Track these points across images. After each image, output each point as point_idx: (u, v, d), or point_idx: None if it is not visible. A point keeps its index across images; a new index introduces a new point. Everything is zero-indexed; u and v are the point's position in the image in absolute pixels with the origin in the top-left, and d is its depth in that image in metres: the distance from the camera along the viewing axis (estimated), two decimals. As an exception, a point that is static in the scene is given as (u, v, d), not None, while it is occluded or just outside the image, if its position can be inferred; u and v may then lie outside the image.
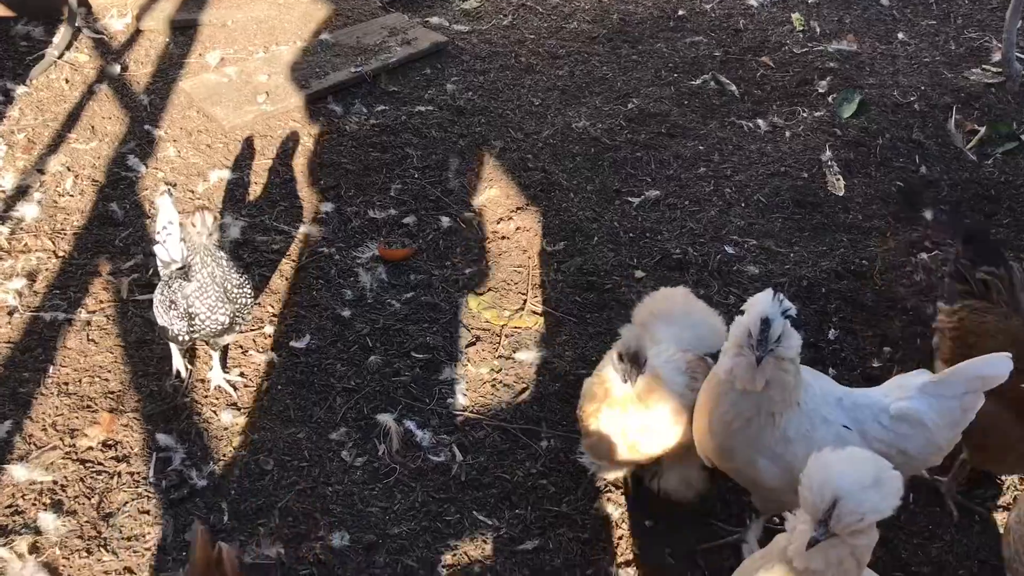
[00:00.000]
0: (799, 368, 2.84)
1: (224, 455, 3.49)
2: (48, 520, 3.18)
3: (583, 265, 4.38)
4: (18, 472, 3.35)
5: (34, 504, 3.26)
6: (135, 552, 3.13)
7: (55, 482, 3.34)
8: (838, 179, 4.91)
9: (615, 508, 3.36)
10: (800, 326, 2.79)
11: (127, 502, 3.27)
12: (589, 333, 4.04)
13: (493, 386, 3.83)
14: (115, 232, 4.49)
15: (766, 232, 4.58)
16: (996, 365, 2.83)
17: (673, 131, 5.32)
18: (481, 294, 4.23)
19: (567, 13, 6.50)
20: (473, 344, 4.01)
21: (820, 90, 5.66)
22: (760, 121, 5.41)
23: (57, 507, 3.25)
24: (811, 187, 4.89)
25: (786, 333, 2.70)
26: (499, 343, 4.01)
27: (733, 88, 5.70)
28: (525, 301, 4.20)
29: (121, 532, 3.18)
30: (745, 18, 6.46)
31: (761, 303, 2.72)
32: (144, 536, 3.17)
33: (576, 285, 4.28)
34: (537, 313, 4.14)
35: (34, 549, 3.12)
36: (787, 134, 5.30)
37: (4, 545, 3.12)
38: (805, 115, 5.46)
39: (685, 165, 5.05)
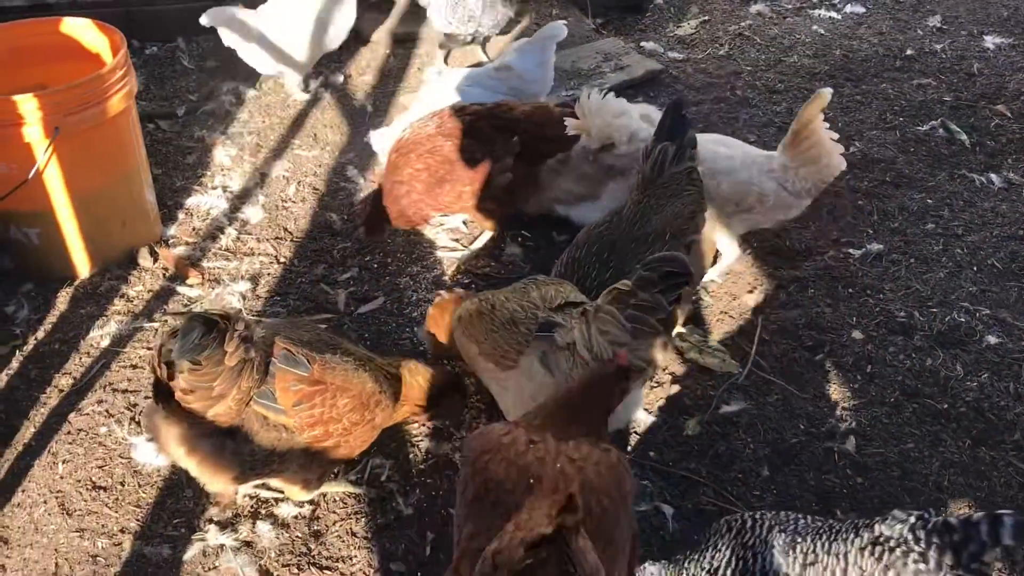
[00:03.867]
0: None
1: (429, 482, 3.50)
2: (264, 530, 3.27)
3: (797, 319, 4.20)
4: (238, 480, 3.46)
5: (251, 513, 3.36)
6: (342, 574, 3.18)
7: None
8: (1082, 249, 4.54)
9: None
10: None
11: (337, 522, 3.34)
12: (801, 396, 3.84)
13: (695, 436, 3.70)
14: (333, 242, 4.62)
15: (1001, 302, 4.26)
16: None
17: (898, 180, 5.05)
18: (686, 339, 4.11)
19: (787, 46, 6.30)
20: (661, 386, 3.89)
21: (1063, 146, 5.27)
22: (994, 176, 5.07)
23: (272, 519, 3.34)
24: (1051, 255, 4.55)
25: None
26: (700, 391, 3.87)
27: (964, 137, 5.37)
28: (731, 350, 4.06)
29: (330, 551, 3.24)
30: (980, 61, 6.09)
31: None
32: (351, 558, 3.22)
33: (788, 340, 4.10)
34: (741, 364, 3.98)
35: (250, 552, 3.22)
36: (1024, 193, 4.95)
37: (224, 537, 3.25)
38: (1045, 173, 5.09)
39: (911, 219, 4.78)
